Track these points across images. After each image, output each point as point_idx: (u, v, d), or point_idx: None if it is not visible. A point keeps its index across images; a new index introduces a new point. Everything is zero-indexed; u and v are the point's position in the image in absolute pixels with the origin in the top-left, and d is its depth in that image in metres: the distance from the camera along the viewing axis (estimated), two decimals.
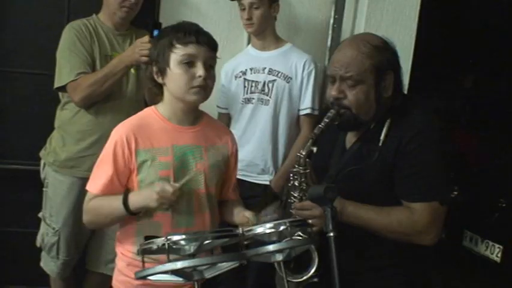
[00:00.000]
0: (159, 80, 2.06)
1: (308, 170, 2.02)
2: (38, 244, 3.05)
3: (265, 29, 3.12)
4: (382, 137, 2.00)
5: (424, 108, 2.07)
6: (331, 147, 2.22)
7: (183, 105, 2.07)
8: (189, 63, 2.00)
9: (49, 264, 3.04)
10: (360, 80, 1.99)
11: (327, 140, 2.22)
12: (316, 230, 1.90)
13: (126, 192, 2.00)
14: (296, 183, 2.04)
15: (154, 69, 2.06)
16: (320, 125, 2.01)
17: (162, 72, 2.04)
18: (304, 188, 2.02)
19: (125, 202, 1.97)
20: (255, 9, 3.05)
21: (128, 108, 2.79)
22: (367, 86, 2.01)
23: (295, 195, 2.04)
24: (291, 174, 2.06)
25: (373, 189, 2.03)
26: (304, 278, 1.94)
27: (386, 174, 2.00)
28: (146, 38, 2.67)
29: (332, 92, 2.03)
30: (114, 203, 2.00)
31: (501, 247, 3.87)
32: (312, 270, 1.94)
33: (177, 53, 1.99)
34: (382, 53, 2.03)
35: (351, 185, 2.01)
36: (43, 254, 3.06)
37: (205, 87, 2.03)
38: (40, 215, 3.04)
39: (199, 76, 2.00)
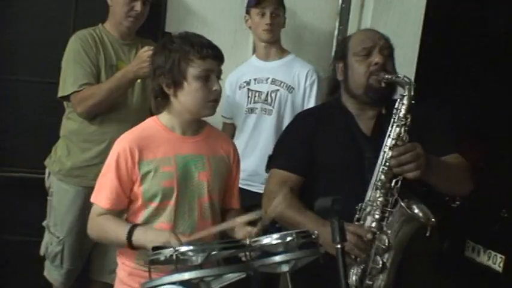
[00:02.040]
0: (170, 92, 2.05)
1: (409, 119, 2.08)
2: (41, 253, 3.05)
3: (278, 37, 3.18)
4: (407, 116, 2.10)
5: None
6: (352, 138, 2.28)
7: (191, 117, 2.09)
8: (205, 77, 2.02)
9: (53, 273, 3.03)
10: (392, 54, 2.28)
11: (341, 131, 2.29)
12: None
13: (133, 227, 1.97)
14: (401, 123, 2.08)
15: (166, 80, 2.03)
16: (395, 77, 2.14)
17: (177, 85, 2.03)
18: (407, 128, 2.07)
19: (129, 237, 1.95)
20: (276, 17, 3.11)
21: (134, 118, 2.76)
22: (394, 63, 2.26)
23: (395, 142, 2.07)
24: (395, 109, 2.11)
25: None
26: None
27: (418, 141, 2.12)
28: (150, 52, 2.67)
29: (377, 58, 2.20)
30: (119, 232, 1.97)
31: (503, 257, 3.87)
32: None
33: (195, 67, 2.00)
34: None
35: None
36: (46, 263, 3.05)
37: (219, 101, 2.07)
38: (44, 223, 3.04)
39: (215, 90, 2.02)
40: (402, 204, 2.02)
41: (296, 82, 3.11)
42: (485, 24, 5.24)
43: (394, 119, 2.09)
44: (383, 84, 2.16)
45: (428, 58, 3.55)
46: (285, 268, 1.80)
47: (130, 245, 1.96)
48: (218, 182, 2.15)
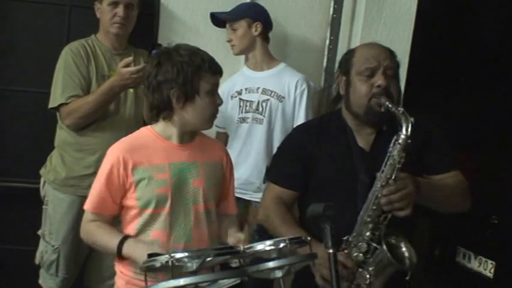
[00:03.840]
0: (178, 105, 2.06)
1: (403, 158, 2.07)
2: (36, 261, 3.05)
3: (249, 49, 3.19)
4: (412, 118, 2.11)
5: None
6: (349, 154, 2.28)
7: (191, 129, 2.13)
8: (214, 92, 2.07)
9: (48, 281, 3.04)
10: (397, 72, 2.25)
11: (338, 146, 2.30)
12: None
13: (124, 238, 2.01)
14: (394, 158, 2.06)
15: (177, 93, 2.04)
16: (396, 108, 2.10)
17: (189, 99, 2.04)
18: (400, 166, 2.06)
19: (119, 248, 1.99)
20: (234, 31, 3.15)
21: (127, 127, 2.85)
22: (398, 79, 2.25)
23: (389, 175, 2.07)
24: (391, 148, 2.09)
25: None
26: None
27: (416, 163, 2.19)
28: (133, 69, 2.71)
29: (380, 81, 2.17)
30: (110, 242, 2.02)
31: (494, 263, 3.89)
32: None
33: (207, 82, 2.04)
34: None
35: None
36: (41, 271, 3.06)
37: None
38: (39, 232, 3.05)
39: (218, 104, 2.09)
40: (385, 249, 2.03)
41: (286, 91, 3.13)
42: (476, 32, 5.29)
43: (388, 157, 2.08)
44: (383, 110, 2.13)
45: (418, 68, 3.59)
46: (279, 274, 1.82)
47: (119, 254, 2.00)
48: (213, 189, 2.18)
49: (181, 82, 2.02)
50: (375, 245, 2.06)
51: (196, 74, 2.02)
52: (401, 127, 2.06)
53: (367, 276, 2.07)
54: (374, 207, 2.07)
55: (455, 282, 4.29)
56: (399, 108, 2.08)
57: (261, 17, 3.19)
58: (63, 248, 2.97)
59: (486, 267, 3.95)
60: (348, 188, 2.20)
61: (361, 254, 2.09)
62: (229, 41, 3.19)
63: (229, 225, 2.24)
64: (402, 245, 2.09)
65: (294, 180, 2.37)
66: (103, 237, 2.07)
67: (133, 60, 2.96)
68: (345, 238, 2.10)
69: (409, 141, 2.05)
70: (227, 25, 3.19)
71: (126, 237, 2.02)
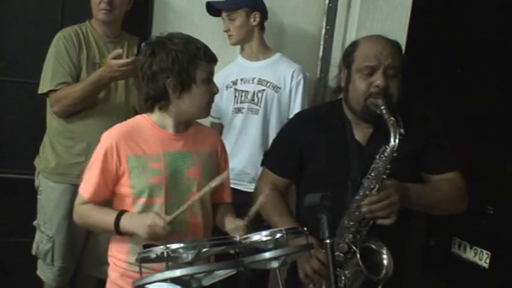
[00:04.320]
0: (174, 94, 2.05)
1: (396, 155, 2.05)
2: (33, 252, 3.05)
3: (247, 39, 3.16)
4: (402, 129, 2.08)
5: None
6: (343, 146, 2.25)
7: (187, 118, 2.12)
8: (210, 80, 2.06)
9: (45, 271, 3.03)
10: (400, 70, 2.16)
11: (334, 138, 2.28)
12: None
13: (120, 213, 2.01)
14: (380, 170, 2.04)
15: (173, 82, 2.02)
16: (389, 116, 2.05)
17: (185, 88, 2.03)
18: (385, 177, 2.04)
19: (117, 223, 1.99)
20: (232, 21, 3.11)
21: (117, 115, 2.84)
22: (402, 77, 2.17)
23: (372, 185, 2.05)
24: (377, 159, 2.06)
25: (404, 177, 2.13)
26: None
27: (416, 160, 2.19)
28: (121, 61, 2.71)
29: (378, 81, 2.12)
30: (106, 218, 2.03)
31: (489, 253, 3.91)
32: None
33: (203, 71, 2.03)
34: (402, 51, 2.26)
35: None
36: (39, 262, 3.05)
37: None
38: (35, 223, 3.04)
39: (214, 93, 2.08)
40: (358, 257, 2.02)
41: (282, 81, 3.11)
42: (474, 21, 5.27)
43: (373, 168, 2.06)
44: (379, 112, 2.09)
45: (415, 57, 3.58)
46: (275, 264, 1.82)
47: (118, 231, 2.00)
48: (208, 178, 2.13)
49: (177, 71, 2.01)
50: (354, 248, 2.06)
51: (191, 62, 2.01)
52: (389, 138, 2.03)
53: (342, 277, 2.08)
54: (356, 213, 2.07)
55: (451, 273, 4.30)
56: (391, 118, 2.04)
57: (258, 6, 3.16)
58: (58, 236, 2.96)
59: (481, 258, 3.97)
60: (338, 182, 2.17)
61: (341, 254, 2.09)
62: (227, 31, 3.16)
63: (226, 213, 2.23)
64: (384, 252, 2.06)
65: (287, 168, 2.39)
66: (99, 216, 2.07)
67: (126, 49, 2.99)
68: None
69: (395, 154, 2.02)
70: (223, 14, 3.15)
71: (122, 212, 2.02)
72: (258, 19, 3.14)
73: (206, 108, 2.10)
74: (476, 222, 4.09)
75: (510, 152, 4.48)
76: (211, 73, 2.07)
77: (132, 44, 3.02)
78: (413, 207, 2.13)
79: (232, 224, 2.11)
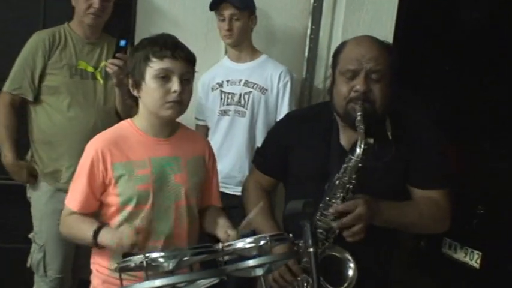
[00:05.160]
0: (135, 93, 2.05)
1: (361, 165, 1.97)
2: (28, 264, 3.01)
3: (243, 41, 3.12)
4: (390, 135, 2.04)
5: (411, 109, 2.23)
6: (327, 150, 2.19)
7: (157, 119, 2.05)
8: (164, 77, 1.98)
9: (40, 285, 2.99)
10: (384, 74, 2.04)
11: (319, 141, 2.22)
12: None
13: (99, 227, 1.96)
14: (345, 180, 1.98)
15: (130, 81, 2.04)
16: (359, 125, 1.97)
17: (138, 85, 2.02)
18: (351, 186, 1.98)
19: (95, 236, 1.94)
20: (236, 21, 3.05)
21: (96, 119, 2.85)
22: (387, 81, 2.05)
23: (337, 194, 1.99)
24: (342, 168, 2.00)
25: (387, 186, 2.08)
26: None
27: (402, 170, 2.10)
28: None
29: (358, 86, 2.02)
30: (87, 233, 1.97)
31: (480, 253, 3.90)
32: None
33: (153, 67, 1.97)
34: (393, 53, 2.12)
35: (361, 186, 2.01)
36: (35, 277, 3.01)
37: (180, 102, 2.01)
38: (30, 235, 3.01)
39: (174, 91, 1.97)
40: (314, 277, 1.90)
41: (269, 83, 3.08)
42: (459, 22, 5.28)
43: (337, 178, 2.01)
44: (358, 117, 1.99)
45: (401, 57, 3.55)
46: (259, 272, 1.78)
47: (96, 244, 1.96)
48: (195, 184, 2.12)
49: (131, 69, 2.03)
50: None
51: (144, 59, 1.99)
52: (355, 149, 1.96)
53: (305, 284, 2.04)
54: (319, 223, 2.02)
55: (442, 273, 4.29)
56: (361, 126, 1.96)
57: (255, 8, 3.14)
58: (48, 245, 2.93)
59: (472, 258, 3.96)
60: (319, 187, 2.10)
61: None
62: (228, 30, 3.06)
63: (216, 216, 2.17)
64: (351, 265, 2.00)
65: (273, 168, 2.38)
66: (81, 228, 2.01)
67: (106, 51, 2.98)
68: (296, 242, 1.99)
69: (360, 165, 1.96)
70: (226, 13, 3.03)
71: (102, 226, 1.98)
72: (255, 22, 3.13)
73: (162, 106, 2.00)
74: (467, 223, 4.08)
75: (501, 152, 4.47)
76: (166, 70, 1.97)
77: (110, 46, 2.95)
78: (386, 225, 2.04)
79: (224, 234, 2.01)
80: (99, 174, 2.00)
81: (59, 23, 2.98)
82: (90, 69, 2.94)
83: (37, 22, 3.27)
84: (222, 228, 2.04)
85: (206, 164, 2.22)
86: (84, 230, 1.99)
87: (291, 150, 2.27)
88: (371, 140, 1.96)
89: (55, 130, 2.87)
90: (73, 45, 2.93)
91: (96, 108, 2.92)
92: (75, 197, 2.03)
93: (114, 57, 2.69)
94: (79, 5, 2.88)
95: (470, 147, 4.65)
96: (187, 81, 2.02)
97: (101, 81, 2.92)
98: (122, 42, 2.71)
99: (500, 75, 4.92)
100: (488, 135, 4.72)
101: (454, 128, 4.75)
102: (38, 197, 2.93)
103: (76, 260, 2.99)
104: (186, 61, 2.01)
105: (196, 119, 3.23)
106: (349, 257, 1.99)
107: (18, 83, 2.86)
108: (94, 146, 2.02)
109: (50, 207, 2.87)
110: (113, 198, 2.03)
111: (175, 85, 1.98)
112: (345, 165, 1.99)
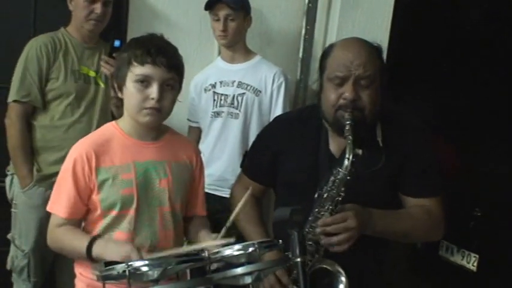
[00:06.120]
0: (119, 95, 2.03)
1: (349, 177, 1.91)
2: (8, 267, 2.97)
3: (237, 41, 3.08)
4: (381, 142, 2.00)
5: (404, 112, 2.21)
6: (316, 156, 2.14)
7: (136, 122, 2.02)
8: (143, 82, 1.93)
9: (21, 286, 2.96)
10: (374, 80, 1.98)
11: (307, 146, 2.16)
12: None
13: (92, 240, 1.91)
14: (333, 193, 1.93)
15: (115, 83, 2.02)
16: (348, 135, 1.91)
17: (119, 88, 2.00)
18: (340, 199, 1.92)
19: (89, 250, 1.89)
20: (231, 21, 3.01)
21: (99, 122, 2.83)
22: (377, 87, 2.00)
23: (326, 207, 1.94)
24: (331, 181, 1.94)
25: (378, 194, 2.04)
26: None
27: (393, 178, 2.05)
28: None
29: (347, 93, 1.96)
30: (79, 245, 1.92)
31: (477, 256, 3.87)
32: None
33: (133, 72, 1.93)
34: (382, 54, 2.06)
35: (351, 194, 1.94)
36: (14, 276, 2.98)
37: (159, 110, 1.96)
38: (9, 236, 2.96)
39: (152, 98, 1.93)
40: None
41: (263, 85, 3.05)
42: (456, 21, 5.24)
43: (327, 190, 1.95)
44: (347, 127, 1.93)
45: (396, 57, 3.52)
46: (248, 280, 1.73)
47: (90, 257, 1.90)
48: (180, 190, 2.08)
49: (116, 70, 2.03)
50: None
51: (126, 63, 1.96)
52: (343, 161, 1.89)
53: None
54: (310, 235, 1.97)
55: (439, 276, 4.26)
56: (350, 136, 1.90)
57: (250, 9, 3.11)
58: (34, 252, 2.89)
59: (469, 261, 3.93)
60: (307, 194, 2.02)
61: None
62: (222, 31, 3.02)
63: (200, 227, 2.13)
64: (342, 279, 1.92)
65: (261, 174, 2.32)
66: (72, 241, 1.96)
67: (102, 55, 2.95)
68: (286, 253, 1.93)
69: (349, 177, 1.89)
70: (222, 13, 3.00)
71: (95, 238, 1.93)
72: (250, 23, 3.11)
73: (139, 112, 1.96)
74: (463, 225, 4.05)
75: (498, 154, 4.43)
76: (146, 76, 1.93)
77: (108, 50, 2.94)
78: (378, 235, 2.00)
79: (207, 239, 1.98)
80: (86, 178, 1.95)
81: (50, 27, 2.96)
82: (92, 73, 2.93)
83: (27, 26, 3.23)
84: (205, 238, 2.00)
85: (193, 171, 2.16)
86: (76, 244, 1.94)
87: (279, 156, 2.22)
88: (359, 151, 1.88)
89: (57, 134, 2.85)
90: (74, 50, 2.91)
91: (99, 111, 2.92)
92: (61, 203, 1.97)
93: (110, 57, 2.71)
94: (79, 11, 2.86)
95: (468, 149, 4.61)
96: (169, 87, 1.97)
97: (103, 85, 2.92)
98: (117, 43, 2.74)
99: (499, 76, 4.88)
100: (485, 137, 4.69)
101: (451, 130, 4.72)
102: (28, 203, 2.88)
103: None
104: (168, 68, 1.95)
105: (189, 120, 3.19)
106: (340, 270, 1.91)
107: (25, 90, 2.82)
108: (78, 150, 1.98)
109: (39, 214, 2.81)
110: (96, 204, 1.98)
111: (154, 92, 1.93)
112: (333, 178, 1.92)
